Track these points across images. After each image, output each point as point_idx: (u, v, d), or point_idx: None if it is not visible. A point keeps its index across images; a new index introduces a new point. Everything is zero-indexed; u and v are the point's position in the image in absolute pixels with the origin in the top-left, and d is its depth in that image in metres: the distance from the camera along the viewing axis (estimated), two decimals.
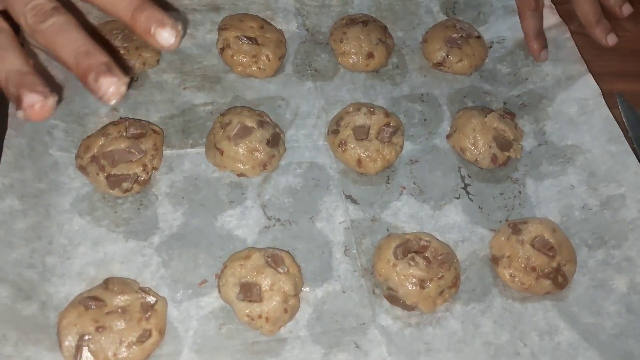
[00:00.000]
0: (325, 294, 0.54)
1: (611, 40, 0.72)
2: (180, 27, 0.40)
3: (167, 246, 0.54)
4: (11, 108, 0.54)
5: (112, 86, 0.38)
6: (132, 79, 0.63)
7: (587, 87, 0.67)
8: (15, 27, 0.42)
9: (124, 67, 0.62)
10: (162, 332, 0.49)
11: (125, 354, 0.47)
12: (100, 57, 0.39)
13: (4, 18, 0.41)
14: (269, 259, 0.52)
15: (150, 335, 0.48)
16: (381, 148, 0.60)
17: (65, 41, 0.39)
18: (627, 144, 0.63)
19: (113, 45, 0.62)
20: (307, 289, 0.54)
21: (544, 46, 0.70)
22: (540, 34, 0.70)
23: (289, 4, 0.72)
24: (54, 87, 0.39)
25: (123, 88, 0.39)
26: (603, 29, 0.72)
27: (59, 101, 0.46)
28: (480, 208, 0.61)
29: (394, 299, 0.53)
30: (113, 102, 0.39)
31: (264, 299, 0.50)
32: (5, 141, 0.53)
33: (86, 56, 0.39)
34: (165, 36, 0.40)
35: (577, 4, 0.72)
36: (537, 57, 0.70)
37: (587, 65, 0.68)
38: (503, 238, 0.57)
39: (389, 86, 0.68)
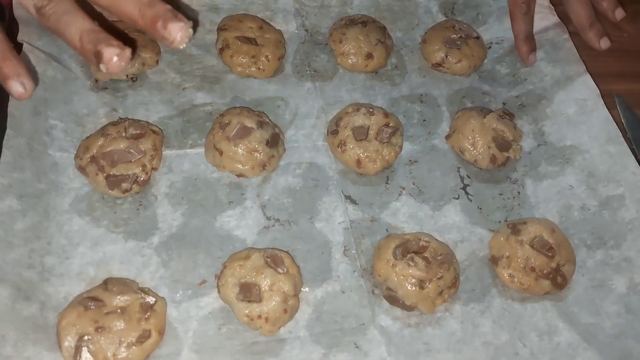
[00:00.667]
0: (324, 294, 0.54)
1: (604, 44, 0.72)
2: (190, 25, 0.41)
3: (167, 246, 0.54)
4: (11, 108, 0.54)
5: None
6: (132, 79, 0.63)
7: (586, 88, 0.67)
8: None
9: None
10: (161, 333, 0.49)
11: (124, 354, 0.47)
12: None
13: None
14: (269, 260, 0.52)
15: (149, 336, 0.48)
16: (380, 148, 0.60)
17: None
18: (625, 144, 0.63)
19: None
20: (307, 289, 0.54)
21: (533, 49, 0.70)
22: (530, 38, 0.71)
23: (288, 5, 0.72)
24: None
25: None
26: (596, 32, 0.72)
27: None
28: (480, 208, 0.61)
29: (393, 299, 0.53)
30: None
31: (263, 299, 0.50)
32: (5, 141, 0.53)
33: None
34: (174, 30, 0.40)
35: (570, 8, 0.73)
36: (525, 60, 0.70)
37: (585, 65, 0.68)
38: (502, 238, 0.57)
39: (388, 87, 0.68)
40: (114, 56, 0.40)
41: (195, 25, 0.45)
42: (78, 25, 0.42)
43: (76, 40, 0.42)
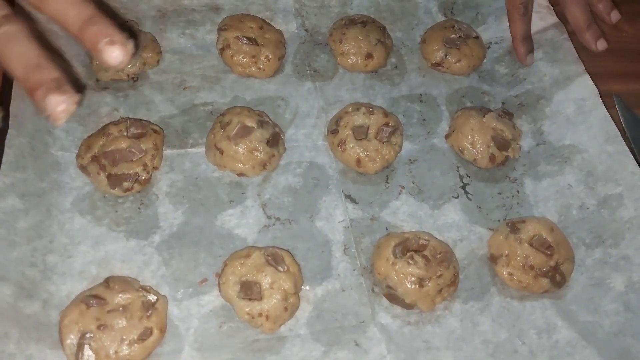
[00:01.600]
0: (325, 293, 0.54)
1: (601, 45, 0.72)
2: (131, 45, 0.37)
3: (168, 245, 0.54)
4: (13, 107, 0.55)
5: (60, 105, 0.36)
6: (133, 78, 0.63)
7: (585, 88, 0.67)
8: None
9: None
10: (163, 331, 0.49)
11: (126, 351, 0.47)
12: (51, 72, 0.37)
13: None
14: (269, 258, 0.52)
15: (151, 334, 0.48)
16: (380, 148, 0.61)
17: (15, 52, 0.37)
18: (624, 144, 0.63)
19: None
20: (307, 287, 0.54)
21: (531, 50, 0.71)
22: (528, 38, 0.71)
23: (288, 5, 0.72)
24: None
25: (72, 107, 0.36)
26: (593, 34, 0.72)
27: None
28: (479, 207, 0.61)
29: (393, 297, 0.54)
30: (60, 122, 0.37)
31: (264, 298, 0.50)
32: (7, 141, 0.53)
33: (36, 70, 0.37)
34: (114, 55, 0.37)
35: (567, 9, 0.73)
36: (523, 61, 0.70)
37: (584, 65, 0.69)
38: (501, 237, 0.57)
39: (388, 86, 0.69)
40: (60, 105, 0.36)
41: (136, 43, 0.38)
42: (23, 55, 0.37)
43: (19, 73, 0.37)
